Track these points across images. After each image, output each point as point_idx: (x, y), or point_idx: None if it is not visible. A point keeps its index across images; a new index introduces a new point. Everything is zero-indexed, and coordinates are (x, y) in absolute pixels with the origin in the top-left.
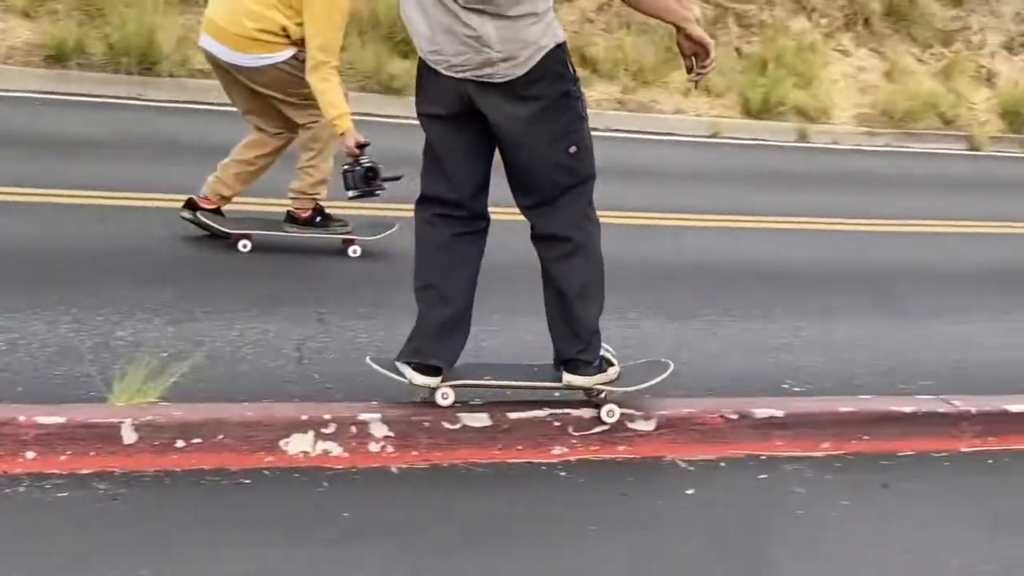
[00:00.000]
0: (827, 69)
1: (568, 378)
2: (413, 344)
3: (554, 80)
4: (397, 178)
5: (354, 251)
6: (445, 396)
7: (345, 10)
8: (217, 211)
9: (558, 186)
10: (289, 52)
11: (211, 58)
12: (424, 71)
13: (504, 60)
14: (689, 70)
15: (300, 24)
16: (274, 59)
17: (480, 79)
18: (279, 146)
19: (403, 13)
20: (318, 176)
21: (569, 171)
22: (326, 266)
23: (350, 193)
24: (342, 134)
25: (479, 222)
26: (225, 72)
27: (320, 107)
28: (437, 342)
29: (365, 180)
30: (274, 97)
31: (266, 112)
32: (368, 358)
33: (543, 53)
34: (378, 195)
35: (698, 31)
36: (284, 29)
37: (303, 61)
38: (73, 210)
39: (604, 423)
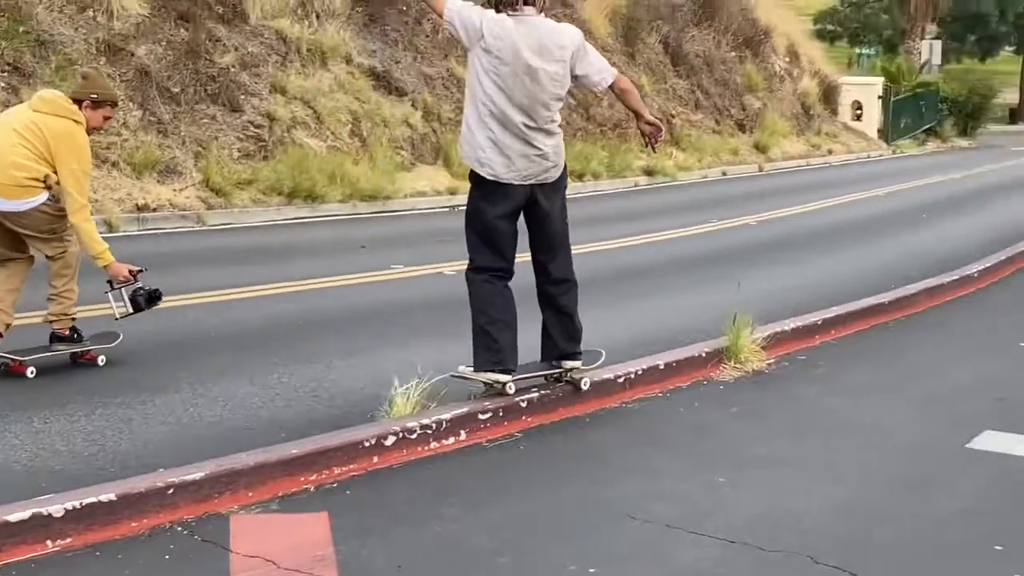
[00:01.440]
0: None
1: (569, 364)
2: (491, 357)
3: (566, 177)
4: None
5: (102, 360)
6: (510, 388)
7: (90, 158)
8: None
9: (562, 244)
10: (46, 195)
11: None
12: (497, 188)
13: (554, 167)
14: (647, 145)
15: (55, 171)
16: (36, 202)
17: (541, 181)
18: (30, 264)
19: (479, 157)
20: (73, 298)
21: (565, 234)
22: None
23: (127, 311)
24: (106, 266)
25: (511, 276)
26: None
27: (84, 243)
28: (511, 354)
29: (150, 301)
30: (29, 234)
31: (17, 246)
32: (451, 375)
33: (564, 159)
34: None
35: (652, 118)
36: (46, 177)
37: (55, 201)
38: None
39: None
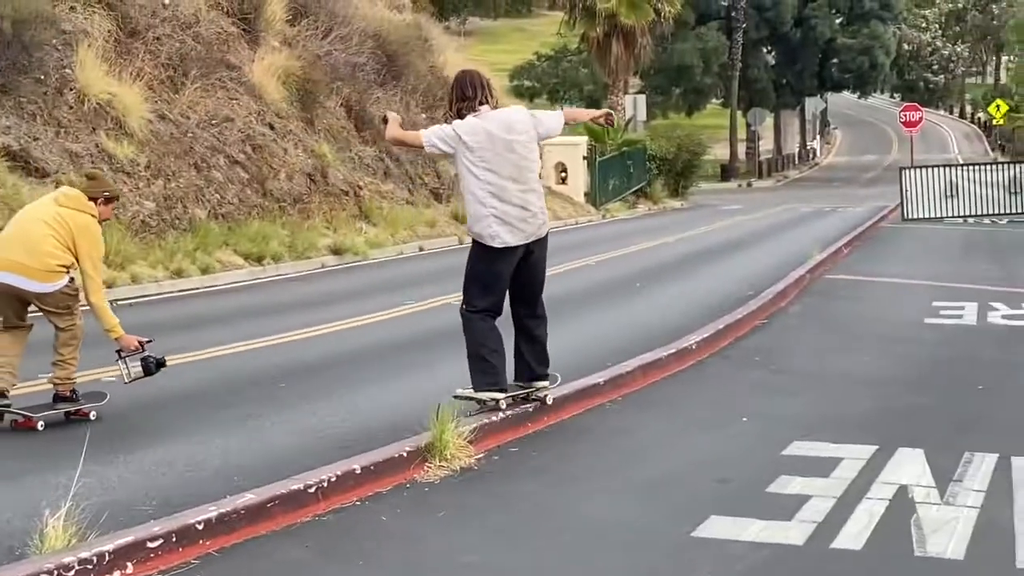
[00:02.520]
0: None
1: (541, 383)
2: (487, 379)
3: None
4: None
5: (94, 415)
6: (503, 403)
7: (103, 246)
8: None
9: (543, 286)
10: (67, 278)
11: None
12: (504, 251)
13: (543, 224)
14: (602, 125)
15: (77, 258)
16: (61, 284)
17: (536, 237)
18: (29, 332)
19: (490, 234)
20: (76, 365)
21: (545, 276)
22: None
23: (133, 377)
24: (117, 338)
25: (501, 314)
26: (5, 295)
27: (101, 318)
28: (503, 376)
29: (158, 366)
30: (49, 310)
31: (23, 316)
32: (452, 396)
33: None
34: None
35: (598, 113)
36: (72, 264)
37: (72, 282)
38: None
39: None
